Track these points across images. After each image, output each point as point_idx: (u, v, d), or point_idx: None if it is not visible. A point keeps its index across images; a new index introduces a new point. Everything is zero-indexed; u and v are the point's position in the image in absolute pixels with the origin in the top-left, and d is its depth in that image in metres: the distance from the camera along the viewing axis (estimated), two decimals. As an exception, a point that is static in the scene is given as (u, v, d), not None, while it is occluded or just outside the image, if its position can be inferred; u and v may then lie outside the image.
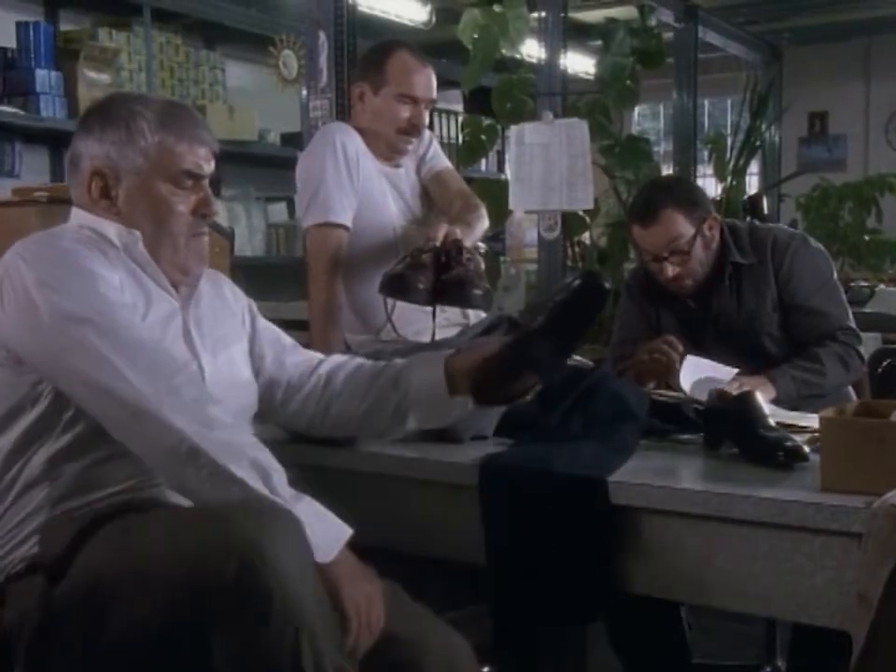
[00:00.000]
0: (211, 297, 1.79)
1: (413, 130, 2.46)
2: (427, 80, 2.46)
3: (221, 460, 1.42)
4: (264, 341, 1.89)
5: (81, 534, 1.46)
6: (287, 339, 1.95)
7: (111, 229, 1.65)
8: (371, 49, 2.55)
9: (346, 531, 1.48)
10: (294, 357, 1.92)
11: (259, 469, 1.44)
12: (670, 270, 2.43)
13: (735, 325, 2.49)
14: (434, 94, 2.49)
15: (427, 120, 2.51)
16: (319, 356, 1.95)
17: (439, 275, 2.11)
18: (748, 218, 3.97)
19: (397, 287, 2.09)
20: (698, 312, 2.52)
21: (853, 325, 2.49)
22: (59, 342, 1.48)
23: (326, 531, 1.45)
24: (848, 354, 2.42)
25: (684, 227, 2.41)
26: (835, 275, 2.56)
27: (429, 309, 2.20)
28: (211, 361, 1.69)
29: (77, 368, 1.47)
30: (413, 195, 2.55)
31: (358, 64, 2.63)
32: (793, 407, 2.26)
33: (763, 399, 2.22)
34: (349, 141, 2.41)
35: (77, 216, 1.69)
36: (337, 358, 1.96)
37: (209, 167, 1.70)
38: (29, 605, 1.46)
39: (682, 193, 2.48)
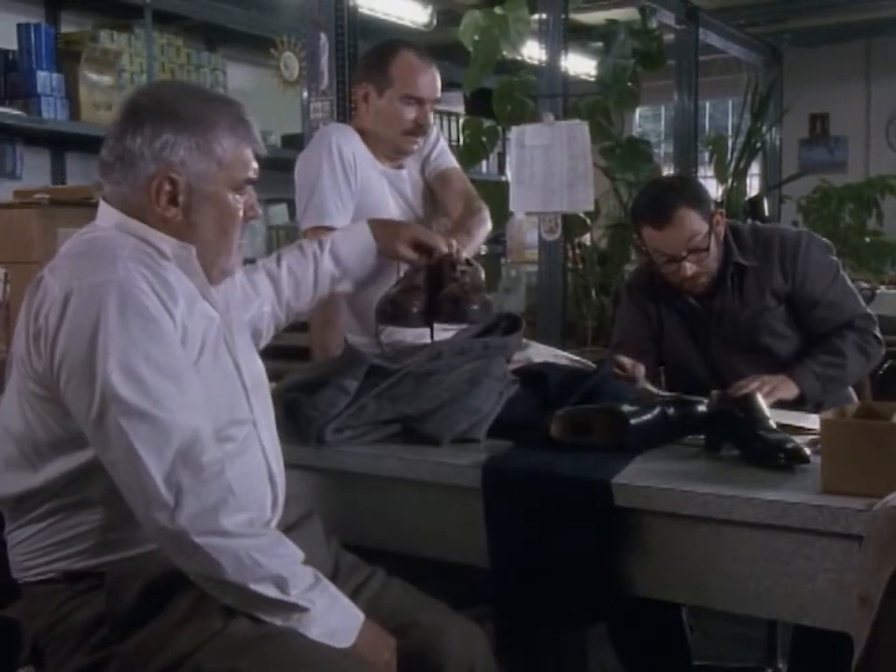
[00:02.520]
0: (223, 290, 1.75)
1: (418, 130, 2.44)
2: (431, 80, 2.44)
3: (235, 579, 1.44)
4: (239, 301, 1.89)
5: (150, 591, 1.49)
6: None
7: (166, 244, 1.58)
8: (373, 50, 2.52)
9: (359, 616, 1.53)
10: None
11: (274, 579, 1.45)
12: (689, 269, 2.42)
13: (738, 324, 2.50)
14: (439, 94, 2.46)
15: (431, 119, 2.49)
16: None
17: (434, 294, 2.08)
18: (748, 220, 3.97)
19: (390, 313, 2.07)
20: (701, 312, 2.52)
21: (867, 310, 2.53)
22: (100, 421, 1.44)
23: (341, 621, 1.51)
24: (867, 341, 2.46)
25: (699, 224, 2.41)
26: (840, 269, 2.58)
27: None
28: (246, 361, 1.69)
29: (109, 453, 1.45)
30: (415, 196, 2.54)
31: (361, 65, 2.59)
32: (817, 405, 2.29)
33: (786, 396, 2.28)
34: (345, 143, 2.40)
35: (122, 223, 1.59)
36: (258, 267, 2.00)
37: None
38: (69, 624, 1.51)
39: (691, 191, 2.48)
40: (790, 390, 2.33)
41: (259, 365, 1.78)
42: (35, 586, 1.55)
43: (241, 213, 1.64)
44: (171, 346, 1.49)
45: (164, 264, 1.57)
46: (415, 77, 2.41)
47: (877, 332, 2.49)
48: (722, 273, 2.49)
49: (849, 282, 2.57)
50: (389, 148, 2.46)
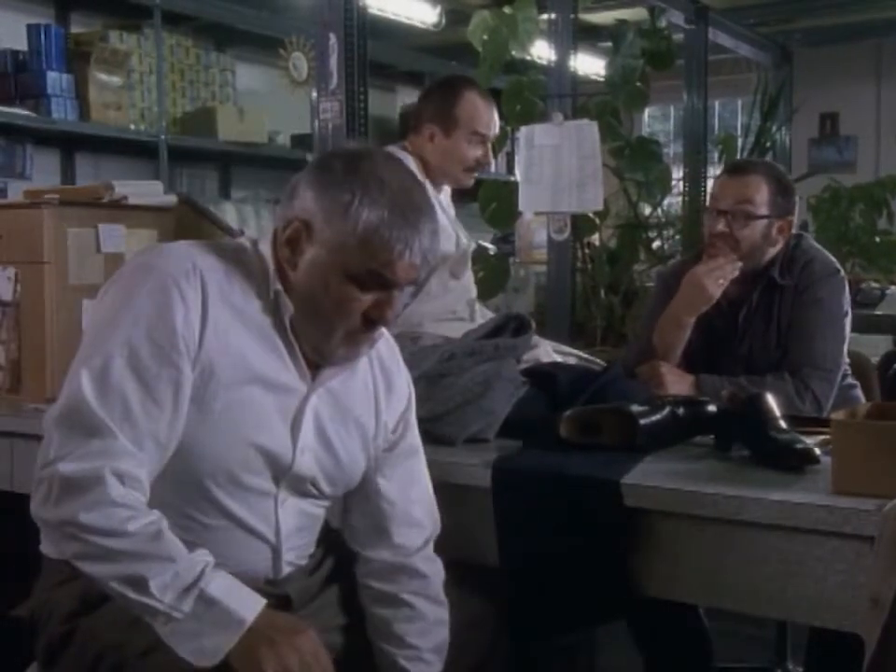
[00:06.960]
0: (350, 375, 1.62)
1: (478, 167, 2.65)
2: (495, 118, 2.65)
3: (96, 573, 1.37)
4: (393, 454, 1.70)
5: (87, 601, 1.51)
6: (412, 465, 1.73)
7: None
8: (438, 90, 2.68)
9: (245, 617, 1.35)
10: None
11: (132, 581, 1.34)
12: (721, 225, 2.38)
13: (761, 346, 2.41)
14: (498, 130, 2.67)
15: (492, 157, 2.70)
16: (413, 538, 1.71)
17: None
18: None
19: None
20: (725, 327, 2.45)
21: (832, 369, 2.35)
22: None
23: (213, 634, 1.34)
24: (800, 395, 2.30)
25: (761, 198, 2.37)
26: (847, 322, 2.43)
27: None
28: (309, 457, 1.57)
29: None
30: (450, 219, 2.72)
31: (426, 106, 2.68)
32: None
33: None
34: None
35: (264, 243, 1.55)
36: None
37: (408, 278, 1.49)
38: (57, 599, 1.55)
39: (781, 180, 2.45)
40: (684, 391, 2.25)
41: (335, 464, 1.62)
42: (45, 560, 1.58)
43: (355, 305, 1.48)
44: (163, 356, 1.42)
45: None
46: (482, 116, 2.61)
47: (820, 394, 2.30)
48: (752, 286, 2.42)
49: (842, 339, 2.40)
50: (449, 182, 2.66)
